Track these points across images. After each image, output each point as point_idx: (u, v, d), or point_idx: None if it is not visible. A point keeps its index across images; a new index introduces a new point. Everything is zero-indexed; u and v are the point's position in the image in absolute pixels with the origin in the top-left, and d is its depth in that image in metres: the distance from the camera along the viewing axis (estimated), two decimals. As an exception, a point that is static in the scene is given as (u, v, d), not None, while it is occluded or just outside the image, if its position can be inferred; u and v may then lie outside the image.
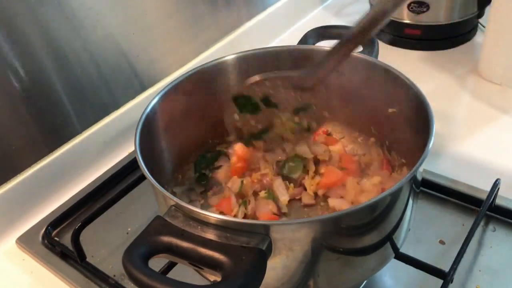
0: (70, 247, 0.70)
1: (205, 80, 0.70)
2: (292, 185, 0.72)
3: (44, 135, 0.80)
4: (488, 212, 0.72)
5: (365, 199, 0.64)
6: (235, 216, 0.66)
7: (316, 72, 0.64)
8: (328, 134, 0.77)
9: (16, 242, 0.76)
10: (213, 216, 0.48)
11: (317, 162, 0.75)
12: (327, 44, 0.72)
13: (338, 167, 0.72)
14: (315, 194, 0.71)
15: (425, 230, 0.71)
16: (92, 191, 0.81)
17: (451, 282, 0.60)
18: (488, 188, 0.70)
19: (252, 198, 0.69)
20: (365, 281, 0.66)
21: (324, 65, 0.62)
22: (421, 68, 1.04)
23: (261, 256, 0.46)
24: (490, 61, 0.98)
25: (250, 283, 0.45)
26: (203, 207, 0.71)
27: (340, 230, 0.50)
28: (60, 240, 0.75)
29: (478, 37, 1.12)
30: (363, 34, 0.56)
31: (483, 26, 1.11)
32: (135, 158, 0.57)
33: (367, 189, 0.67)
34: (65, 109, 0.81)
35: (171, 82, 0.67)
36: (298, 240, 0.49)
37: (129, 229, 0.76)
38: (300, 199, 0.72)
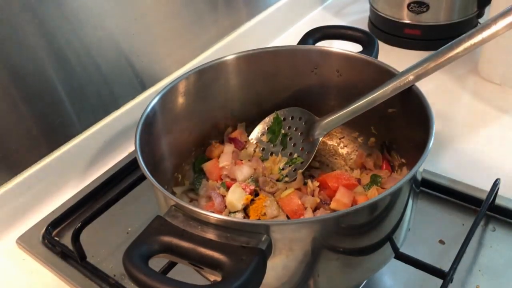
0: (70, 247, 0.70)
1: (204, 80, 0.70)
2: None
3: (44, 135, 0.80)
4: (488, 212, 0.72)
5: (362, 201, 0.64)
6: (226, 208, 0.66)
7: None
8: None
9: (16, 242, 0.76)
10: (213, 216, 0.48)
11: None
12: (327, 44, 0.73)
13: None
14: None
15: (425, 230, 0.71)
16: (92, 191, 0.81)
17: (451, 282, 0.61)
18: (488, 188, 0.70)
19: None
20: (365, 281, 0.66)
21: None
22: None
23: (261, 256, 0.46)
24: (490, 61, 0.98)
25: (250, 283, 0.45)
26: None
27: (340, 230, 0.50)
28: (60, 240, 0.75)
29: (478, 37, 1.12)
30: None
31: (483, 26, 1.11)
32: (135, 158, 0.57)
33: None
34: (65, 109, 0.81)
35: (171, 82, 0.67)
36: (298, 240, 0.49)
37: (129, 229, 0.76)
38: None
